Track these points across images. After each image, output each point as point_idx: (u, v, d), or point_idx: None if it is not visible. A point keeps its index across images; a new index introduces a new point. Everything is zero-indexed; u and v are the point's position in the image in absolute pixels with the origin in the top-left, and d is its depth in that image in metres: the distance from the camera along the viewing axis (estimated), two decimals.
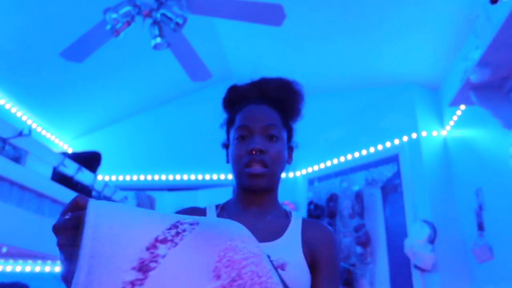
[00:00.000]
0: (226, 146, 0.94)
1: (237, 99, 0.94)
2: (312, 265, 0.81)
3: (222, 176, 3.96)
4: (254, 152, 0.83)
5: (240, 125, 0.87)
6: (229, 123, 0.93)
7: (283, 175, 0.90)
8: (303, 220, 0.88)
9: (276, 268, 0.67)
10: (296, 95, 0.94)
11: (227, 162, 0.92)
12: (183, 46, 2.44)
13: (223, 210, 0.90)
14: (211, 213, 0.89)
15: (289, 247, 0.81)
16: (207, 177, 3.99)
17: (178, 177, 4.05)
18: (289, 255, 0.78)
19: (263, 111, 0.88)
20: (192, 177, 3.99)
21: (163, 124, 4.28)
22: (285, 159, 0.90)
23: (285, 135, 0.91)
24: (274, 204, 0.90)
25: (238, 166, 0.85)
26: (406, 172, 2.99)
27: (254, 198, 0.88)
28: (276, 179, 0.88)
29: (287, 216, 0.89)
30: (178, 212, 0.87)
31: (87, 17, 2.50)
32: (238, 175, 0.87)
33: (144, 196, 2.51)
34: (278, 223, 0.86)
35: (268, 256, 0.66)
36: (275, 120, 0.88)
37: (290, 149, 0.95)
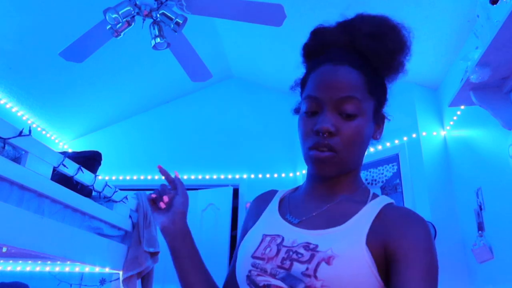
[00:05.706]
0: (296, 111, 0.77)
1: (317, 48, 0.76)
2: (388, 258, 0.63)
3: (222, 176, 3.97)
4: (320, 134, 0.66)
5: (309, 95, 0.70)
6: (302, 82, 0.76)
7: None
8: (386, 207, 0.69)
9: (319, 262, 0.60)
10: (397, 44, 0.72)
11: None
12: (183, 46, 2.44)
13: (293, 192, 0.80)
14: (277, 196, 0.79)
15: (348, 237, 0.64)
16: (207, 177, 3.99)
17: None
18: (342, 247, 0.62)
19: (341, 76, 0.68)
20: (192, 177, 3.99)
21: (163, 124, 4.28)
22: (366, 137, 0.72)
23: (370, 106, 0.72)
24: (350, 187, 0.74)
25: (303, 146, 0.70)
26: (406, 172, 2.98)
27: (322, 182, 0.74)
28: (350, 163, 0.71)
29: (365, 200, 0.71)
30: (259, 195, 0.83)
31: (87, 17, 2.50)
32: (304, 156, 0.71)
33: (144, 196, 2.51)
34: (348, 208, 0.69)
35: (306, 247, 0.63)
36: (355, 89, 0.68)
37: (381, 119, 0.77)
